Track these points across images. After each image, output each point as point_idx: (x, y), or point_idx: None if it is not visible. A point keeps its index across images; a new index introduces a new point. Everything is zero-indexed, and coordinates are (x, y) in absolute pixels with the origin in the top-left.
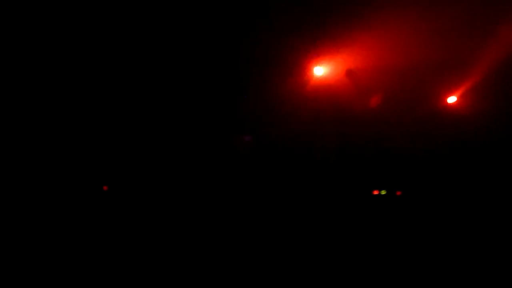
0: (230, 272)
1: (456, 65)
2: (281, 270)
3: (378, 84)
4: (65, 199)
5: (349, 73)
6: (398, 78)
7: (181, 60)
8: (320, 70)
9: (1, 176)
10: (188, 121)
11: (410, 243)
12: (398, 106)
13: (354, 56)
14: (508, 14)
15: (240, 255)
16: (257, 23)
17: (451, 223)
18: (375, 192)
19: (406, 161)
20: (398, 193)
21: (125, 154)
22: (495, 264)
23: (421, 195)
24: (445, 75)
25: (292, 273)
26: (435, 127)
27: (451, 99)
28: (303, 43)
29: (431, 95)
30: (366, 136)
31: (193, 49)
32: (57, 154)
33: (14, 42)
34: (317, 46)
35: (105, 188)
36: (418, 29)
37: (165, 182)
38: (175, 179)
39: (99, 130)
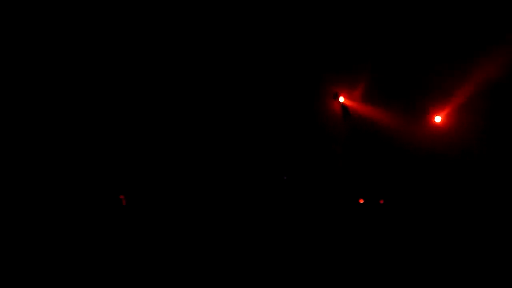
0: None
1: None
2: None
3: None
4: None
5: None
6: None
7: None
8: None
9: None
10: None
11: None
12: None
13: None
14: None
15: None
16: None
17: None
18: (361, 201)
19: (394, 172)
20: (381, 201)
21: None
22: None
23: (405, 205)
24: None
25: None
26: (422, 145)
27: (437, 119)
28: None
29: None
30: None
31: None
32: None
33: (15, 43)
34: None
35: (121, 197)
36: None
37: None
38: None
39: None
